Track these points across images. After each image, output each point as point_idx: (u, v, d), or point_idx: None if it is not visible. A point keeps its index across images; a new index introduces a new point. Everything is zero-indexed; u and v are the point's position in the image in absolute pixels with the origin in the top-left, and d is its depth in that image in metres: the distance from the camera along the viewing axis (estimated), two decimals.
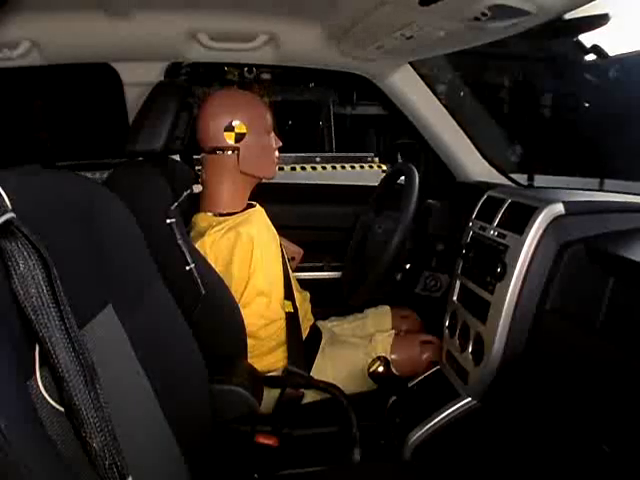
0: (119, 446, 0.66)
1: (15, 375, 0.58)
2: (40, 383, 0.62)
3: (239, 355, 1.37)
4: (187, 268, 1.23)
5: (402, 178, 1.68)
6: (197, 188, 1.47)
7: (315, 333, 1.66)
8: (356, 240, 1.84)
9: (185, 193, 1.37)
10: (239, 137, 1.45)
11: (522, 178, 2.11)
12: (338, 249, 1.98)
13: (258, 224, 1.46)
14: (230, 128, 1.44)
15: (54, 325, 0.62)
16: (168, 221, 1.23)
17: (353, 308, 1.84)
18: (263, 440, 1.23)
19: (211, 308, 1.26)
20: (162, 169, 1.37)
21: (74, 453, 0.64)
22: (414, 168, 1.60)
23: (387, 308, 1.85)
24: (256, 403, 1.20)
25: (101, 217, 0.88)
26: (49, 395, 0.63)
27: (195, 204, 1.51)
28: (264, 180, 1.54)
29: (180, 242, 1.23)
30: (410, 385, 1.56)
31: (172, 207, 1.26)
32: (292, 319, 1.50)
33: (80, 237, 0.82)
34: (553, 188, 1.97)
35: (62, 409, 0.63)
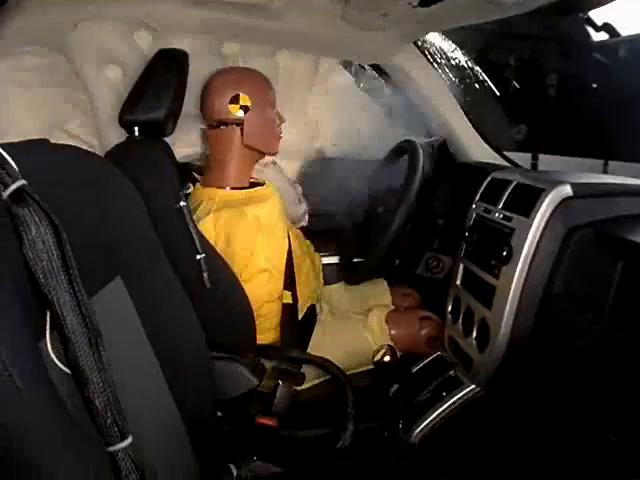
0: (121, 407, 0.69)
1: (27, 335, 0.61)
2: (50, 345, 0.65)
3: (244, 337, 1.36)
4: (197, 257, 1.19)
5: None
6: None
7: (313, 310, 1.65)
8: (356, 220, 1.81)
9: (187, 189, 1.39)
10: (244, 109, 1.44)
11: (526, 157, 2.08)
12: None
13: (267, 206, 1.46)
14: (235, 100, 1.43)
15: (63, 289, 0.64)
16: (181, 204, 1.20)
17: None
18: (263, 421, 1.22)
19: (216, 300, 1.23)
20: (165, 149, 1.35)
21: (81, 413, 0.67)
22: (418, 146, 1.57)
23: (384, 281, 1.83)
24: (256, 381, 1.17)
25: (109, 191, 0.90)
26: (57, 358, 0.66)
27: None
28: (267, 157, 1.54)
29: (191, 228, 1.20)
30: (413, 371, 1.55)
31: (184, 190, 1.26)
32: (290, 309, 1.48)
33: (90, 209, 0.84)
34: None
35: (69, 371, 0.66)
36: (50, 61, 1.42)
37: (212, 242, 1.32)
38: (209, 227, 1.36)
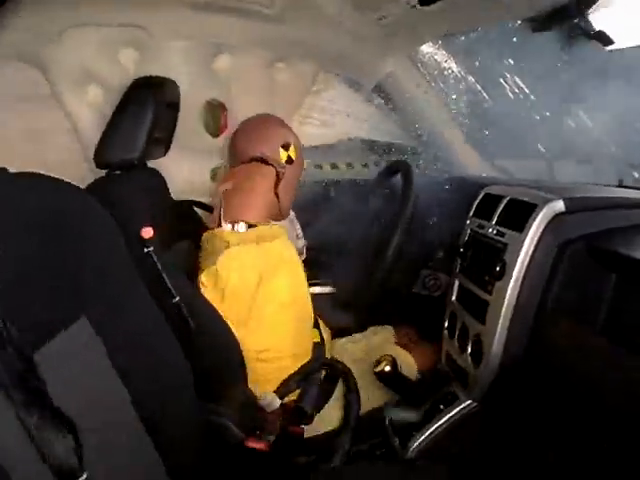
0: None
1: None
2: None
3: (234, 382, 1.28)
4: (173, 301, 1.13)
5: None
6: None
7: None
8: (352, 245, 1.81)
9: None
10: (289, 160, 1.42)
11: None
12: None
13: (286, 241, 1.39)
14: (286, 147, 1.42)
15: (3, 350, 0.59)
16: (145, 250, 1.11)
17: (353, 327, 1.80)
18: (253, 444, 1.19)
19: (203, 342, 1.16)
20: (141, 183, 1.30)
21: None
22: (410, 165, 1.58)
23: (390, 329, 1.80)
24: (242, 437, 1.12)
25: (76, 223, 0.83)
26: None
27: (180, 216, 1.44)
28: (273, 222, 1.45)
29: (162, 273, 1.12)
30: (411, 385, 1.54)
31: (150, 235, 1.13)
32: (318, 349, 1.44)
33: (48, 246, 0.76)
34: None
35: None
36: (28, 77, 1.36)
37: (230, 282, 1.23)
38: (228, 266, 1.25)
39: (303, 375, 1.35)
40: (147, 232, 1.11)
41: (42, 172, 0.81)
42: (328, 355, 1.51)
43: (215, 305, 1.23)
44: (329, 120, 1.96)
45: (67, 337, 0.75)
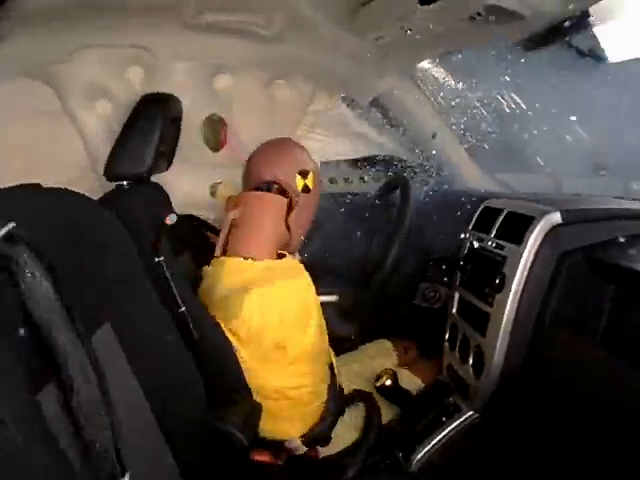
0: (119, 445, 0.67)
1: (25, 389, 0.59)
2: (49, 396, 0.63)
3: (236, 390, 1.25)
4: (179, 310, 1.13)
5: None
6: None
7: None
8: (352, 256, 1.82)
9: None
10: (305, 189, 1.33)
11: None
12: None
13: (306, 276, 1.27)
14: (305, 175, 1.33)
15: (64, 331, 0.63)
16: (156, 260, 1.12)
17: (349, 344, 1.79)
18: (259, 457, 1.19)
19: (206, 351, 1.16)
20: (148, 196, 1.32)
21: (80, 457, 0.65)
22: (408, 180, 1.60)
23: (389, 344, 1.79)
24: (246, 442, 1.09)
25: (99, 237, 0.88)
26: (58, 406, 0.64)
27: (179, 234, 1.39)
28: (279, 251, 1.34)
29: (171, 282, 1.13)
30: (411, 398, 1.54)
31: (161, 243, 1.14)
32: (331, 375, 1.36)
33: (73, 255, 0.81)
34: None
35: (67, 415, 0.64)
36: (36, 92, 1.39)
37: (254, 322, 1.17)
38: (253, 305, 1.17)
39: (329, 423, 1.32)
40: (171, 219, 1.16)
41: (53, 184, 0.86)
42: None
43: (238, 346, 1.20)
44: (329, 136, 1.98)
45: (96, 342, 0.78)
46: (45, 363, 0.64)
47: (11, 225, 0.62)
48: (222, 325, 1.19)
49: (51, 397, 0.64)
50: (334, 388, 1.35)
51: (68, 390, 0.64)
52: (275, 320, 1.17)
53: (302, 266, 1.29)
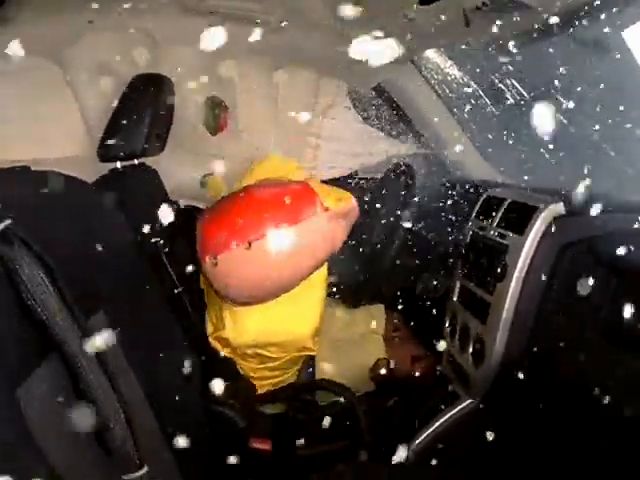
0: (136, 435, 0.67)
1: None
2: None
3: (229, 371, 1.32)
4: (176, 291, 1.17)
5: None
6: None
7: None
8: (354, 241, 1.83)
9: None
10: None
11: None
12: None
13: None
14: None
15: (67, 325, 0.63)
16: (154, 240, 1.16)
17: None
18: (258, 445, 1.20)
19: (200, 332, 1.21)
20: (143, 181, 1.32)
21: (94, 444, 0.65)
22: (413, 167, 1.59)
23: (381, 308, 1.82)
24: (242, 424, 1.15)
25: (89, 219, 0.86)
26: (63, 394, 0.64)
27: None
28: None
29: (166, 262, 1.17)
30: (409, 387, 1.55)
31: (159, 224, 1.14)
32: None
33: (74, 241, 0.80)
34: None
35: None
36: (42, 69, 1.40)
37: None
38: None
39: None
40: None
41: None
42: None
43: None
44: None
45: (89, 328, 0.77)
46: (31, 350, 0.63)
47: (6, 222, 0.61)
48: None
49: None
50: None
51: (79, 378, 0.64)
52: None
53: None
